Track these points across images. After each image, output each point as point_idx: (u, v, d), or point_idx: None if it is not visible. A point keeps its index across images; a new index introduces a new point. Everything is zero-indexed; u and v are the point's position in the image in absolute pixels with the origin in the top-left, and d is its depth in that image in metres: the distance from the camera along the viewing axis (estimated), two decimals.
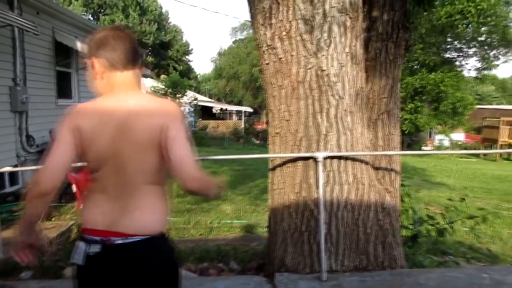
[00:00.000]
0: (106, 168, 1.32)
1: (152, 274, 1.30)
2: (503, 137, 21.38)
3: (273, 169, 2.89)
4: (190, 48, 41.74)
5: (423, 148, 24.56)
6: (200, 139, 21.62)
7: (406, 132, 22.20)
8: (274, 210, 2.89)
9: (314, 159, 2.58)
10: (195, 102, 22.71)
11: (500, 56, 19.73)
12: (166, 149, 1.28)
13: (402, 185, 3.42)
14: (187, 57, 41.98)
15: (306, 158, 2.65)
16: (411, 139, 26.83)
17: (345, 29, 2.60)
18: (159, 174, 1.35)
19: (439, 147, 25.65)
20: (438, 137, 26.28)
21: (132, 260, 1.31)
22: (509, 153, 21.50)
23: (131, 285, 1.32)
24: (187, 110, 21.85)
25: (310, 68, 2.56)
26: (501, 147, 20.97)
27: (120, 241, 1.29)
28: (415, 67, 22.88)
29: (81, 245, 1.31)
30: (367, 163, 2.75)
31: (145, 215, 1.33)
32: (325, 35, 2.55)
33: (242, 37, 38.27)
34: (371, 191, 2.71)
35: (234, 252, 3.96)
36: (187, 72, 41.40)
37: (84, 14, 32.23)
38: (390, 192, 2.85)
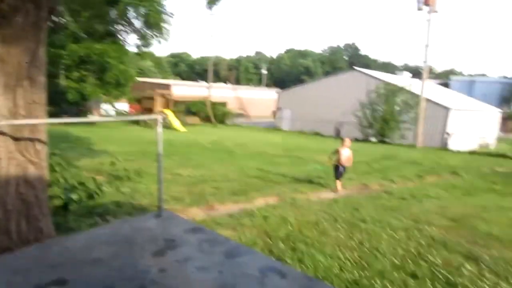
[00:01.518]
0: None
1: None
2: (158, 108, 24.84)
3: None
4: None
5: (90, 117, 24.63)
6: None
7: (72, 101, 21.51)
8: None
9: None
10: None
11: (154, 37, 22.34)
12: None
13: (53, 154, 3.35)
14: None
15: None
16: (78, 108, 26.25)
17: None
18: None
19: (105, 117, 26.50)
20: (104, 106, 27.07)
21: None
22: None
23: None
24: None
25: None
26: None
27: None
28: (81, 35, 22.20)
29: None
30: (4, 134, 2.48)
31: None
32: None
33: None
34: (10, 165, 2.50)
35: None
36: None
37: None
38: (34, 164, 2.72)
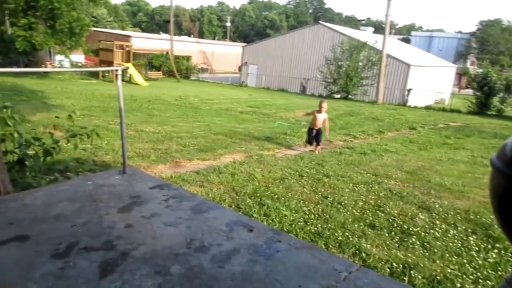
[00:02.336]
0: None
1: None
2: (117, 60, 23.60)
3: None
4: None
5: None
6: None
7: (21, 51, 19.89)
8: None
9: None
10: None
11: None
12: None
13: (4, 107, 3.11)
14: None
15: None
16: (29, 58, 24.46)
17: None
18: None
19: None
20: (58, 57, 25.39)
21: None
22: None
23: None
24: None
25: None
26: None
27: None
28: None
29: None
30: None
31: None
32: None
33: None
34: None
35: None
36: None
37: None
38: None
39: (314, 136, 7.79)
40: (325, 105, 7.81)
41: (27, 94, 12.35)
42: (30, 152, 3.16)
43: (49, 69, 14.87)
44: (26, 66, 24.02)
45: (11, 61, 23.58)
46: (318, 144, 7.83)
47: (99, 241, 2.02)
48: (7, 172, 2.78)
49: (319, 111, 7.76)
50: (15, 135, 3.12)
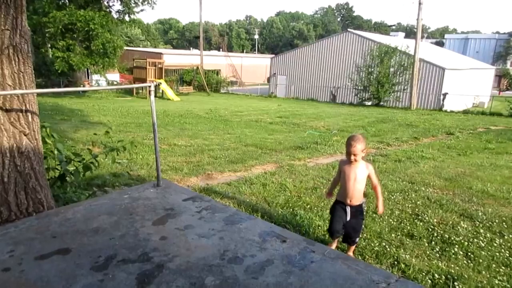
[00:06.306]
0: None
1: None
2: (150, 77, 24.39)
3: None
4: None
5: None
6: None
7: (59, 71, 21.00)
8: None
9: None
10: None
11: (139, 3, 21.62)
12: None
13: (43, 126, 3.28)
14: None
15: None
16: (68, 79, 25.77)
17: None
18: None
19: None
20: (94, 77, 26.58)
21: None
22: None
23: None
24: None
25: None
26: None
27: None
28: (63, 1, 21.41)
29: None
30: None
31: None
32: None
33: None
34: (3, 136, 2.43)
35: None
36: None
37: None
38: (27, 135, 2.65)
39: (343, 221, 3.28)
40: (359, 146, 3.08)
41: (67, 113, 12.97)
42: (71, 168, 3.30)
43: (85, 88, 15.57)
44: (65, 87, 25.33)
45: (52, 82, 24.95)
46: (352, 242, 3.37)
47: (136, 253, 2.07)
48: (50, 188, 2.91)
49: (351, 161, 3.14)
50: (55, 152, 3.27)
